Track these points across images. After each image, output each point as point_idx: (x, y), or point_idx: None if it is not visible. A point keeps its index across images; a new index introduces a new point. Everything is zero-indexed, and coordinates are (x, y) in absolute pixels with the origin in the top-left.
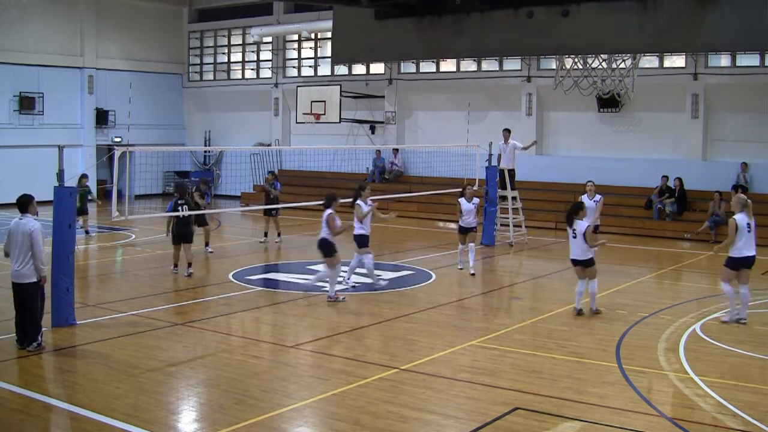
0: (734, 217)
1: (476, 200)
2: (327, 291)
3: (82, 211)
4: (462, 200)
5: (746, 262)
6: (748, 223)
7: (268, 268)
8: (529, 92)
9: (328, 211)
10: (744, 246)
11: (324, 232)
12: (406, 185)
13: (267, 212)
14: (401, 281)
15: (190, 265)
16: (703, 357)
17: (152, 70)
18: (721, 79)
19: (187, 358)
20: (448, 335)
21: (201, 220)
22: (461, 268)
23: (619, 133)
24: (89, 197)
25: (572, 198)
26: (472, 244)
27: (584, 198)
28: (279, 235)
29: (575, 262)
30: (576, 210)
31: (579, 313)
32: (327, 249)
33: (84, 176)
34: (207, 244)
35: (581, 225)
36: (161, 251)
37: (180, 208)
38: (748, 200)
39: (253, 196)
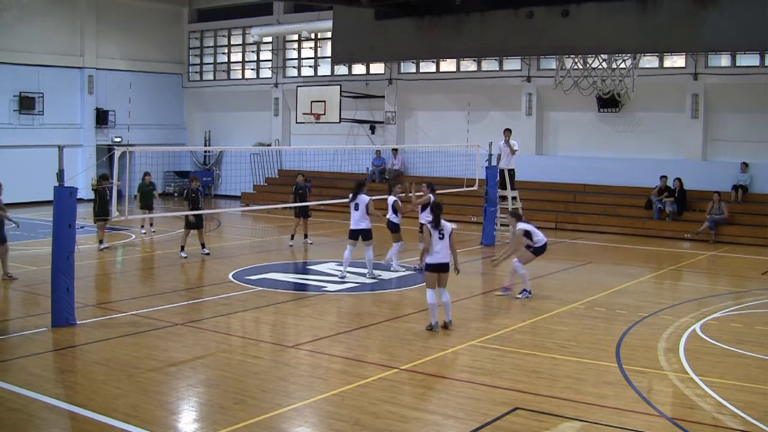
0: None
1: None
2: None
3: (147, 207)
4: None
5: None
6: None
7: (268, 268)
8: (529, 92)
9: None
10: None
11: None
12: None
13: (300, 214)
14: (401, 281)
15: (183, 249)
16: (703, 357)
17: (152, 70)
18: (721, 79)
19: (187, 358)
20: (448, 335)
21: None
22: None
23: (619, 133)
24: (154, 193)
25: (572, 198)
26: None
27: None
28: (306, 236)
29: None
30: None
31: None
32: None
33: (146, 174)
34: (182, 248)
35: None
36: (161, 251)
37: None
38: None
39: (253, 196)
